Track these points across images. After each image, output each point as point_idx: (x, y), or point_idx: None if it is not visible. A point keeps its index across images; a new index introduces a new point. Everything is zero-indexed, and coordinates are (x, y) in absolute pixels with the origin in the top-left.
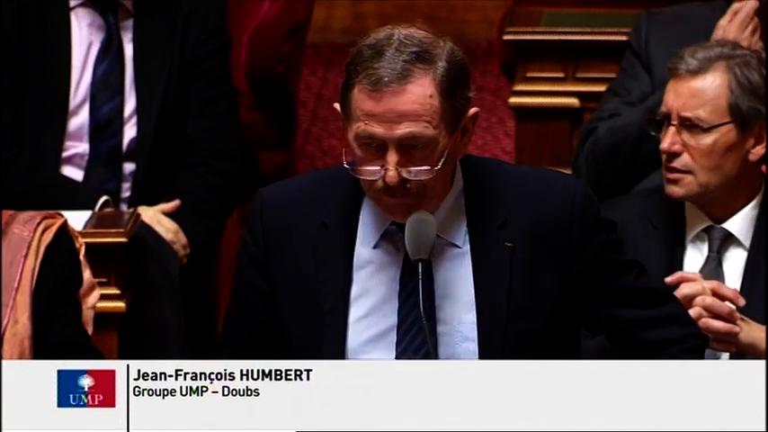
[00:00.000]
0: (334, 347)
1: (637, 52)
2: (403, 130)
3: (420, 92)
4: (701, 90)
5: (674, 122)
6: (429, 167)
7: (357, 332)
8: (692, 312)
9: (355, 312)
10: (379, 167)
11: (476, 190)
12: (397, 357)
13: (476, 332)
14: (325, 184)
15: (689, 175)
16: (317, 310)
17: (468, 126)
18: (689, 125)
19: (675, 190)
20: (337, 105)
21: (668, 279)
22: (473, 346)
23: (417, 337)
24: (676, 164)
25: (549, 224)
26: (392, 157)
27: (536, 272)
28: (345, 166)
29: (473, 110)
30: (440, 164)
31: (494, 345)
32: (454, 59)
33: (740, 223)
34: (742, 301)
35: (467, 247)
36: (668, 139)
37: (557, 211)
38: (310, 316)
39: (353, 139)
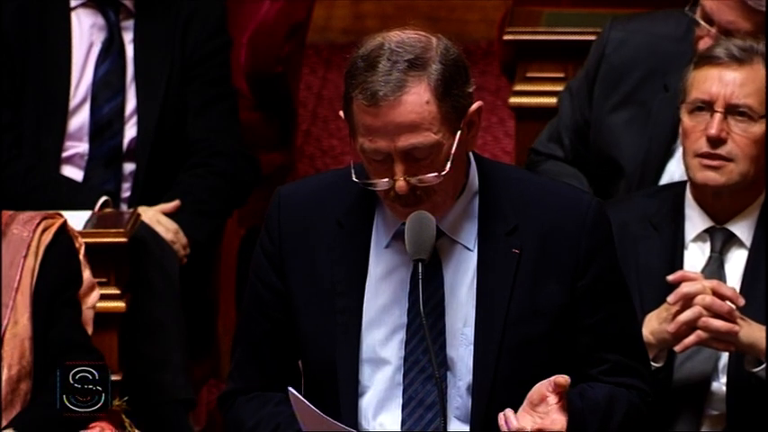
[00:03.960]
0: (348, 347)
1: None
2: (404, 141)
3: (416, 100)
4: (750, 79)
5: (721, 110)
6: (437, 173)
7: (369, 332)
8: (692, 311)
9: (368, 312)
10: (388, 179)
11: (490, 194)
12: (405, 357)
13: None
14: (341, 183)
15: (731, 164)
16: (331, 309)
17: (473, 120)
18: (738, 113)
19: (715, 177)
20: (342, 113)
21: (670, 278)
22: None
23: (426, 337)
24: (721, 151)
25: (558, 236)
26: (399, 168)
27: (540, 281)
28: (354, 179)
29: (476, 104)
30: (447, 167)
31: (489, 351)
32: (448, 59)
33: (743, 224)
34: (742, 301)
35: (476, 250)
36: (717, 126)
37: (567, 224)
38: (324, 315)
39: (361, 152)
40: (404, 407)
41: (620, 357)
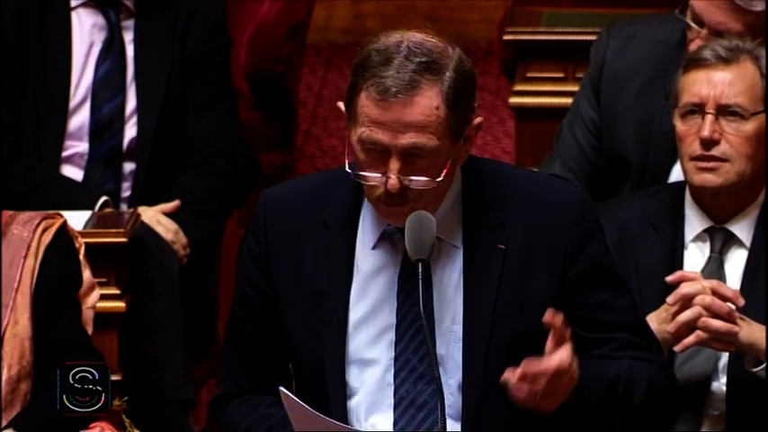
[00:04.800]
0: (335, 348)
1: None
2: (407, 140)
3: (427, 103)
4: (738, 78)
5: (712, 111)
6: (430, 179)
7: (357, 332)
8: (692, 311)
9: (355, 313)
10: (381, 174)
11: (474, 191)
12: (395, 357)
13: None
14: (327, 184)
15: (727, 164)
16: (318, 310)
17: (470, 134)
18: (729, 113)
19: (712, 179)
20: (341, 104)
21: (668, 278)
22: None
23: (416, 336)
24: (715, 152)
25: (544, 229)
26: (394, 165)
27: (528, 275)
28: (347, 170)
29: (477, 120)
30: (441, 176)
31: (478, 348)
32: (462, 70)
33: (742, 224)
34: (741, 302)
35: (463, 248)
36: (709, 127)
37: (553, 217)
38: (311, 316)
39: (357, 142)
40: (395, 407)
41: (628, 335)
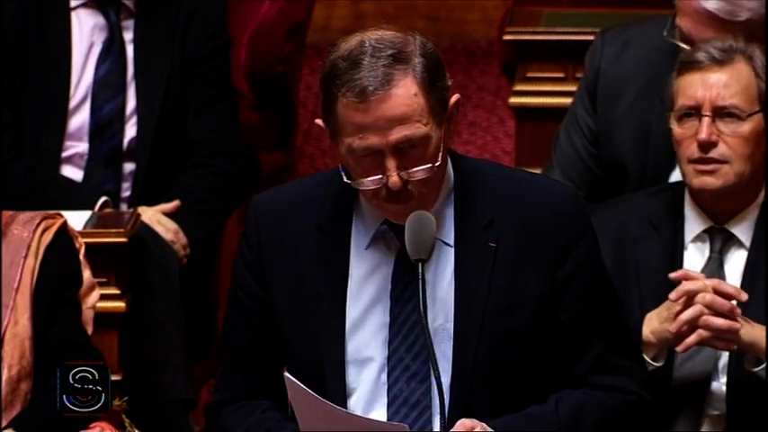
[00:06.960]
0: (333, 350)
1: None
2: (397, 134)
3: (405, 93)
4: (733, 79)
5: (708, 113)
6: (430, 165)
7: (354, 332)
8: (693, 310)
9: (351, 313)
10: (380, 176)
11: (466, 189)
12: (389, 356)
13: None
14: (318, 187)
15: (726, 165)
16: (315, 313)
17: (452, 112)
18: (725, 114)
19: (711, 181)
20: (320, 121)
21: (672, 275)
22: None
23: (410, 335)
24: (713, 154)
25: (536, 228)
26: (391, 163)
27: (518, 274)
28: (346, 180)
29: (454, 97)
30: (439, 158)
31: (468, 346)
32: (428, 53)
33: (742, 224)
34: (744, 296)
35: (455, 246)
36: (706, 130)
37: (545, 217)
38: (309, 319)
39: (347, 153)
40: (389, 406)
41: (603, 351)
